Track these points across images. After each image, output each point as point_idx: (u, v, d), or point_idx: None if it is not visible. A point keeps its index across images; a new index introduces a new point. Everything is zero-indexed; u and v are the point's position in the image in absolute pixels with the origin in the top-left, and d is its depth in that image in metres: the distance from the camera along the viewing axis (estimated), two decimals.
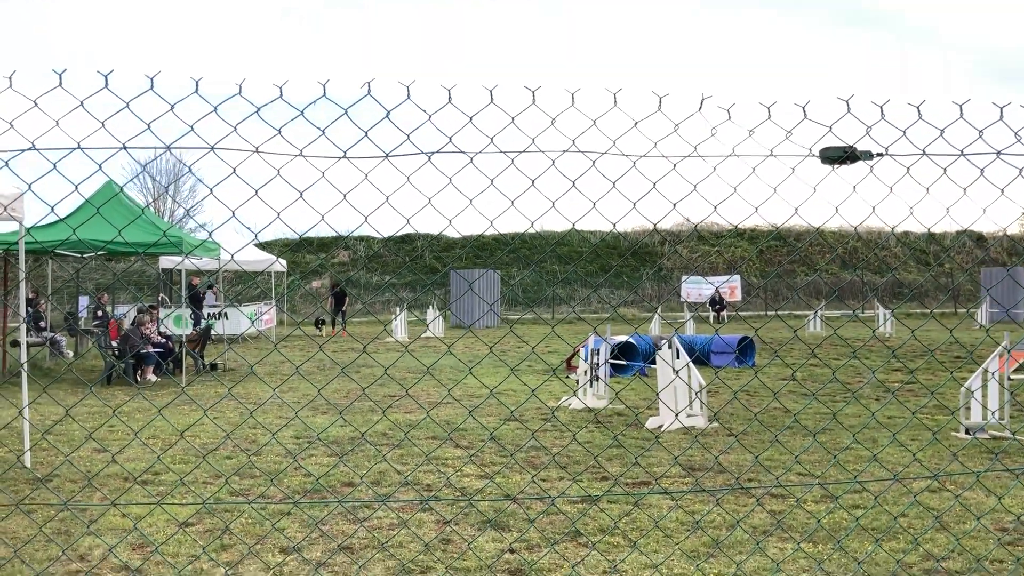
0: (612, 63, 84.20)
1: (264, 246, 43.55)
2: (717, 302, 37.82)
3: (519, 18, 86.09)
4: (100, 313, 21.85)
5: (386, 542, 5.60)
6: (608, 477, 7.56)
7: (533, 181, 2.41)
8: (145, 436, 9.53)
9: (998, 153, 2.88)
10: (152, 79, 2.58)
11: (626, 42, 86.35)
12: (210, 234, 21.17)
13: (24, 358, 7.61)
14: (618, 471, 7.75)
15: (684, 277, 43.52)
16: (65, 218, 14.06)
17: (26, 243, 13.20)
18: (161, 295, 23.96)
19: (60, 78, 2.48)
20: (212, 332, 19.44)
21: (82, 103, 2.52)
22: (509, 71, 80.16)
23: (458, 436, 9.43)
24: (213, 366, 17.11)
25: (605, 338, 12.10)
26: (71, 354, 19.69)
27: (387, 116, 2.32)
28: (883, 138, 2.71)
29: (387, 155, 2.34)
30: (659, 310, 30.22)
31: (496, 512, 6.33)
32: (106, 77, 2.50)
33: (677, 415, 9.84)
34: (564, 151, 2.37)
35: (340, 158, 2.37)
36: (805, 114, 2.55)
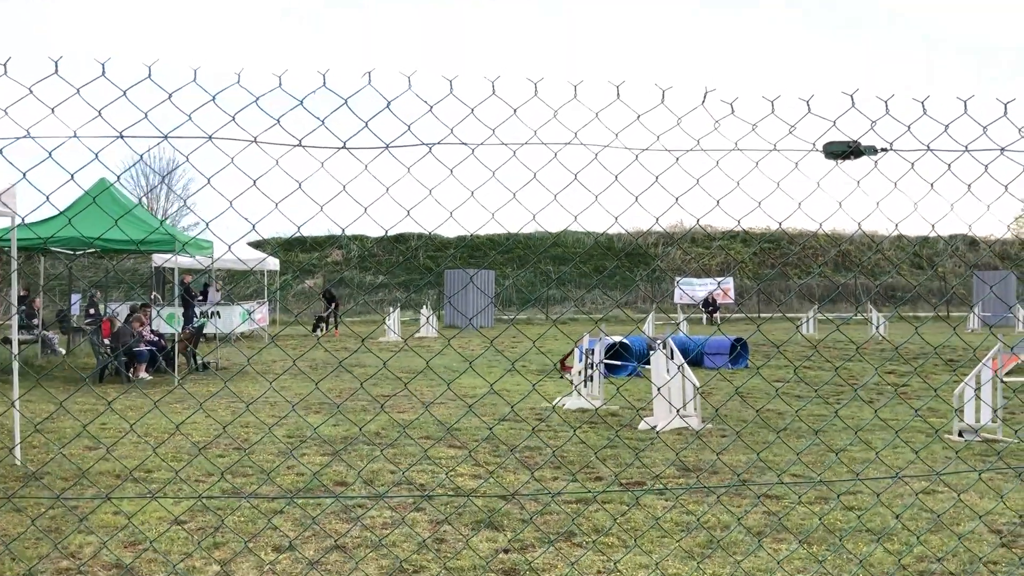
0: (614, 59, 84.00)
1: (258, 245, 43.43)
2: (710, 304, 37.85)
3: (520, 16, 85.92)
4: (93, 311, 21.76)
5: (380, 540, 5.57)
6: (602, 477, 7.54)
7: (535, 174, 2.38)
8: (139, 433, 9.47)
9: (1002, 149, 2.86)
10: (150, 67, 2.55)
11: (629, 37, 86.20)
12: (207, 224, 21.08)
13: (15, 352, 7.56)
14: (612, 471, 7.73)
15: (678, 279, 43.55)
16: (65, 211, 13.99)
17: (20, 237, 13.14)
18: (154, 293, 23.87)
19: (56, 66, 2.45)
20: (204, 331, 19.38)
21: (78, 91, 2.49)
22: (510, 69, 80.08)
23: (451, 437, 9.40)
24: (205, 365, 17.04)
25: (599, 338, 12.08)
26: (63, 351, 19.60)
27: (388, 107, 2.29)
28: (887, 134, 2.69)
29: (387, 146, 2.32)
30: (652, 311, 30.23)
31: (490, 512, 6.31)
32: (103, 65, 2.47)
33: (679, 412, 9.82)
34: (566, 144, 2.35)
35: (339, 148, 2.35)
36: (809, 108, 2.52)
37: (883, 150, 2.69)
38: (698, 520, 6.12)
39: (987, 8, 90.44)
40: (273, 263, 29.00)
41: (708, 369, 16.68)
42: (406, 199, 2.70)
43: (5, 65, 2.42)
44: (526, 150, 2.47)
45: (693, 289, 40.74)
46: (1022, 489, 6.99)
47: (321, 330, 27.75)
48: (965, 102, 2.71)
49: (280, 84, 2.35)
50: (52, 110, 2.46)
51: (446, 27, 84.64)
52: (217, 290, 27.35)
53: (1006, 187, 2.95)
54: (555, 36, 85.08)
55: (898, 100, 2.57)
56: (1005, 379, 11.96)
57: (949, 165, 2.79)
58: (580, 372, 12.04)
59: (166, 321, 18.13)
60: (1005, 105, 2.86)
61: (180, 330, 17.10)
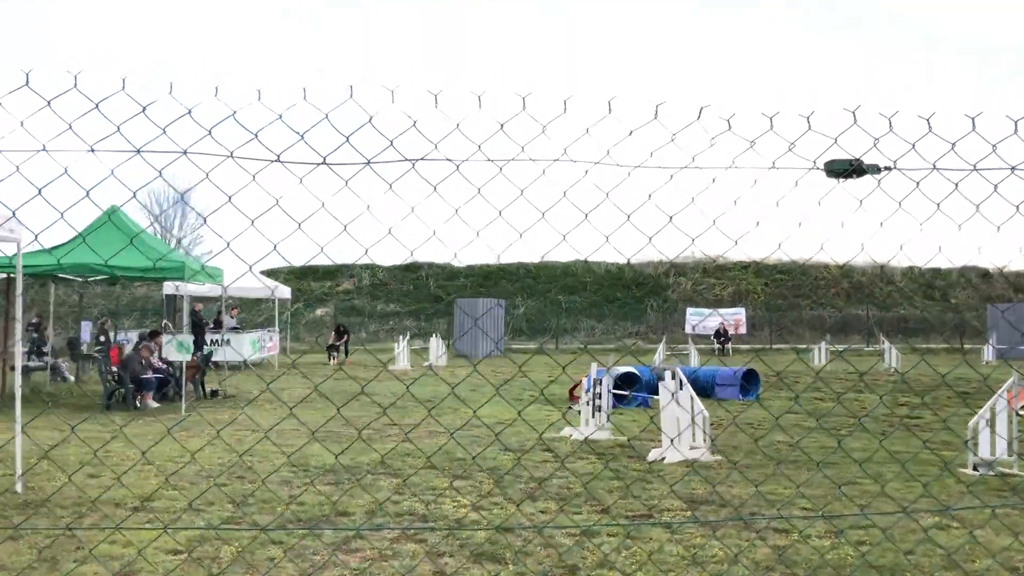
0: (609, 58, 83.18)
1: (270, 273, 43.56)
2: (722, 335, 37.66)
3: (519, 19, 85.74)
4: (103, 338, 21.79)
5: (379, 574, 5.46)
6: (608, 509, 7.41)
7: (522, 191, 2.32)
8: (141, 463, 9.40)
9: (1013, 168, 2.77)
10: (124, 80, 2.52)
11: (625, 39, 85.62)
12: (228, 244, 21.13)
13: (18, 382, 7.53)
14: (617, 503, 7.61)
15: (689, 309, 43.39)
16: (74, 238, 14.03)
17: (29, 264, 13.19)
18: (164, 321, 23.89)
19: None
20: (212, 359, 19.36)
21: (49, 103, 2.45)
22: (508, 70, 79.59)
23: (455, 466, 9.29)
24: (214, 393, 16.99)
25: (607, 368, 11.97)
26: (73, 379, 19.60)
27: (370, 121, 2.25)
28: (891, 151, 2.60)
29: (368, 162, 2.27)
30: (663, 341, 30.07)
31: (492, 544, 6.19)
32: (75, 78, 2.44)
33: (672, 441, 9.69)
34: (554, 160, 2.29)
35: (319, 164, 2.30)
36: (809, 125, 2.44)
37: (886, 169, 2.61)
38: (703, 557, 5.98)
39: (987, 8, 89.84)
40: (284, 291, 29.10)
41: (719, 400, 16.51)
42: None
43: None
44: (517, 168, 2.42)
45: (703, 320, 40.54)
46: None
47: (333, 358, 28.14)
48: (973, 119, 2.62)
49: (259, 97, 2.31)
50: (19, 123, 2.43)
51: (445, 26, 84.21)
52: (232, 316, 27.38)
53: (1017, 207, 2.85)
54: (553, 36, 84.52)
55: (902, 116, 2.48)
56: (1021, 412, 11.78)
57: (956, 185, 2.70)
58: (588, 402, 11.92)
59: (176, 349, 18.12)
60: (1015, 123, 2.77)
61: (189, 358, 17.07)
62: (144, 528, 6.34)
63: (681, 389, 10.08)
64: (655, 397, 14.24)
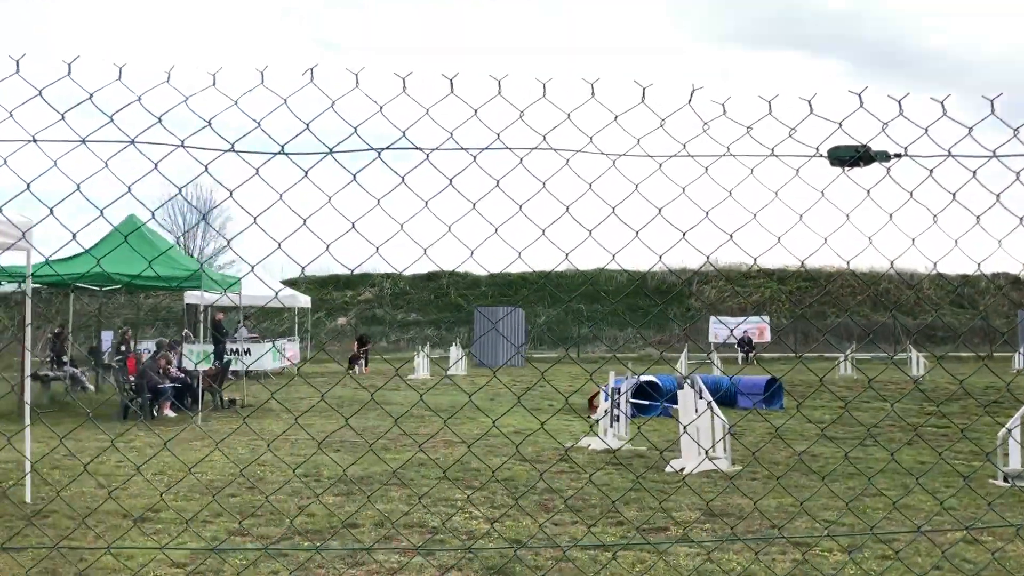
0: (598, 47, 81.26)
1: (292, 283, 43.66)
2: (746, 343, 37.24)
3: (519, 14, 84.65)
4: (123, 348, 21.83)
5: None
6: (624, 522, 7.21)
7: (498, 182, 2.16)
8: (152, 472, 9.31)
9: None
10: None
11: (608, 23, 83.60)
12: (252, 266, 21.09)
13: (28, 394, 7.46)
14: (636, 515, 7.41)
15: (712, 318, 42.95)
16: (92, 248, 14.04)
17: (45, 274, 13.19)
18: (185, 330, 23.92)
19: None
20: (231, 368, 19.34)
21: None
22: (509, 57, 78.43)
23: (470, 477, 9.12)
24: (232, 402, 16.94)
25: (627, 377, 11.77)
26: (92, 388, 19.63)
27: (332, 106, 2.10)
28: (901, 137, 2.39)
29: (331, 151, 2.11)
30: (686, 350, 29.76)
31: (503, 558, 6.02)
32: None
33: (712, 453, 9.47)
34: (533, 148, 2.12)
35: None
36: (811, 109, 2.25)
37: (897, 156, 2.40)
38: (725, 572, 5.78)
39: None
40: (305, 300, 29.10)
41: (741, 409, 16.23)
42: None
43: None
44: (509, 162, 2.26)
45: (727, 328, 40.11)
46: None
47: (357, 368, 28.18)
48: (992, 101, 2.41)
49: (214, 83, 2.17)
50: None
51: (444, 22, 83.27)
52: (248, 329, 27.37)
53: None
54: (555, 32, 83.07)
55: (913, 99, 2.27)
56: None
57: (974, 172, 2.48)
58: (606, 411, 11.71)
59: (194, 360, 18.11)
60: None
61: (208, 367, 17.03)
62: (137, 548, 6.23)
63: (701, 399, 9.86)
64: (675, 407, 14.01)
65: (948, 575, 5.63)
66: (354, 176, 2.16)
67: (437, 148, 2.20)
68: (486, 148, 2.13)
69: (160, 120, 2.26)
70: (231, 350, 23.60)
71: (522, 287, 47.89)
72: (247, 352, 24.61)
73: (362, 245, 2.43)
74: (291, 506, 7.70)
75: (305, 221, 2.26)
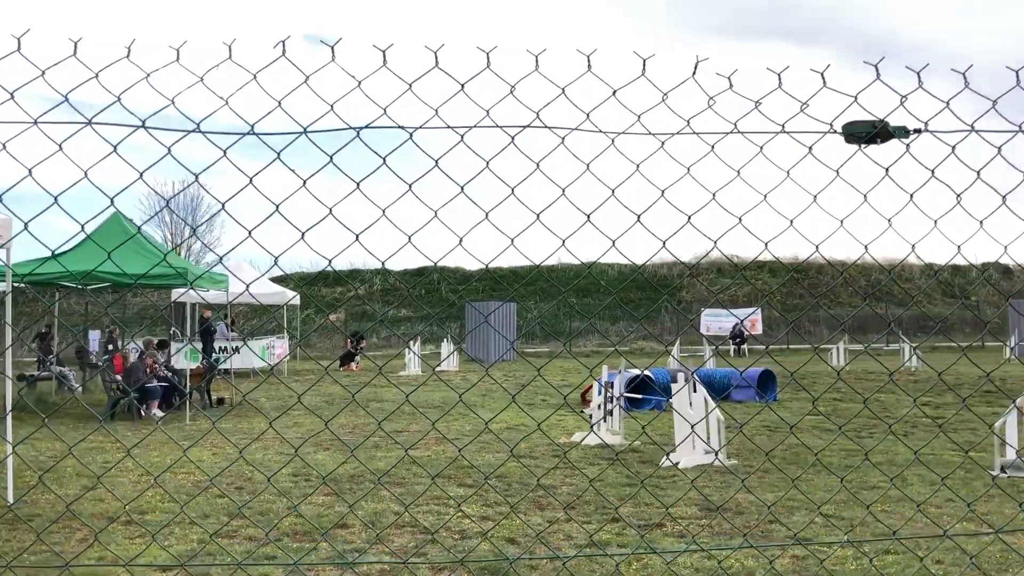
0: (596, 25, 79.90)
1: (281, 280, 43.40)
2: (738, 335, 37.22)
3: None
4: (111, 347, 21.61)
5: None
6: (619, 519, 7.09)
7: (488, 163, 2.02)
8: (139, 473, 9.15)
9: None
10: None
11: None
12: (221, 259, 20.93)
13: (8, 395, 7.29)
14: (631, 511, 7.29)
15: (703, 310, 42.91)
16: (77, 245, 13.81)
17: (33, 275, 12.98)
18: (173, 328, 23.69)
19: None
20: (218, 367, 19.15)
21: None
22: (496, 33, 76.90)
23: (463, 474, 8.98)
24: (220, 401, 16.76)
25: (619, 370, 11.66)
26: (80, 388, 19.41)
27: (306, 81, 1.95)
28: (921, 112, 2.25)
29: (304, 131, 1.97)
30: (677, 343, 29.66)
31: (496, 557, 5.89)
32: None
33: (717, 450, 9.36)
34: (525, 126, 1.98)
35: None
36: (824, 82, 2.11)
37: (916, 131, 2.26)
38: (720, 566, 5.66)
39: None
40: (293, 296, 28.86)
41: (734, 403, 16.14)
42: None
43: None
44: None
45: (719, 320, 40.11)
46: None
47: (354, 365, 27.89)
48: (1017, 72, 2.28)
49: (178, 58, 2.02)
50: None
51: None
52: (231, 328, 27.00)
53: None
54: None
55: (932, 70, 2.14)
56: None
57: (999, 148, 2.35)
58: (599, 406, 11.59)
59: (184, 358, 17.89)
60: None
61: (194, 366, 16.84)
62: (140, 565, 6.08)
63: (695, 392, 9.75)
64: (670, 400, 13.89)
65: (951, 568, 5.53)
66: (331, 158, 2.01)
67: (421, 126, 2.06)
68: (475, 126, 2.00)
69: (119, 99, 2.11)
70: (219, 348, 23.39)
71: (513, 281, 47.73)
72: (236, 351, 24.40)
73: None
74: (279, 507, 7.55)
75: (278, 207, 2.12)
